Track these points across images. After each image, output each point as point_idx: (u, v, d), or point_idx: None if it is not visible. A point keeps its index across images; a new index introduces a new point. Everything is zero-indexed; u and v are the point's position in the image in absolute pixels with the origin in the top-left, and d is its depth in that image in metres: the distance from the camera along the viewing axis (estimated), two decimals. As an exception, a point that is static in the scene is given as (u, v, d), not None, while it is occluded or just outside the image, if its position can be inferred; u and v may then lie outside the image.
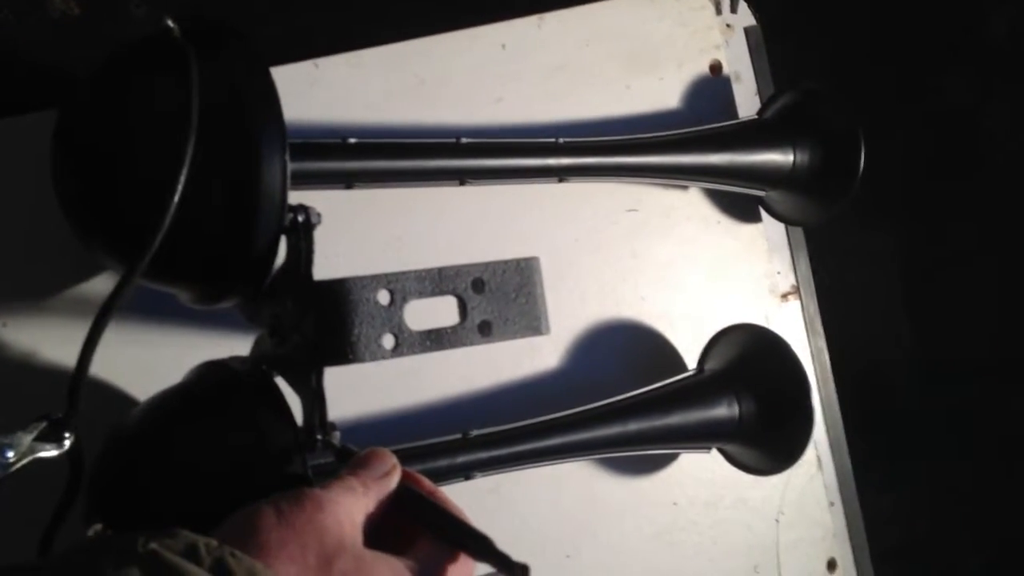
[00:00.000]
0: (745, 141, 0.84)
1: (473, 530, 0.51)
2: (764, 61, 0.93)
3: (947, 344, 1.22)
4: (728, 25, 0.92)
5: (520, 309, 0.59)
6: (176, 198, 0.50)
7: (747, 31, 0.92)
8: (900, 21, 1.20)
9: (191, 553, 0.40)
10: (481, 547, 0.50)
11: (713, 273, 0.88)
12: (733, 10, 0.92)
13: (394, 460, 0.53)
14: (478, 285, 0.59)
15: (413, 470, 0.56)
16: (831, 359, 0.97)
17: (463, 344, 0.57)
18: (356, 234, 0.73)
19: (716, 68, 0.89)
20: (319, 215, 0.57)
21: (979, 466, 1.20)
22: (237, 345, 0.66)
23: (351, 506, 0.48)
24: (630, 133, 0.80)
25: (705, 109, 0.88)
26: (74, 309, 0.65)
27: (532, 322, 0.59)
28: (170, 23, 0.53)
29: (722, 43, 0.90)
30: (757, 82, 0.93)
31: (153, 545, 0.40)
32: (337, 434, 0.55)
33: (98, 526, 0.48)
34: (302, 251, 0.56)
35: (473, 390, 0.75)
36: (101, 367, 0.61)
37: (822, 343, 0.96)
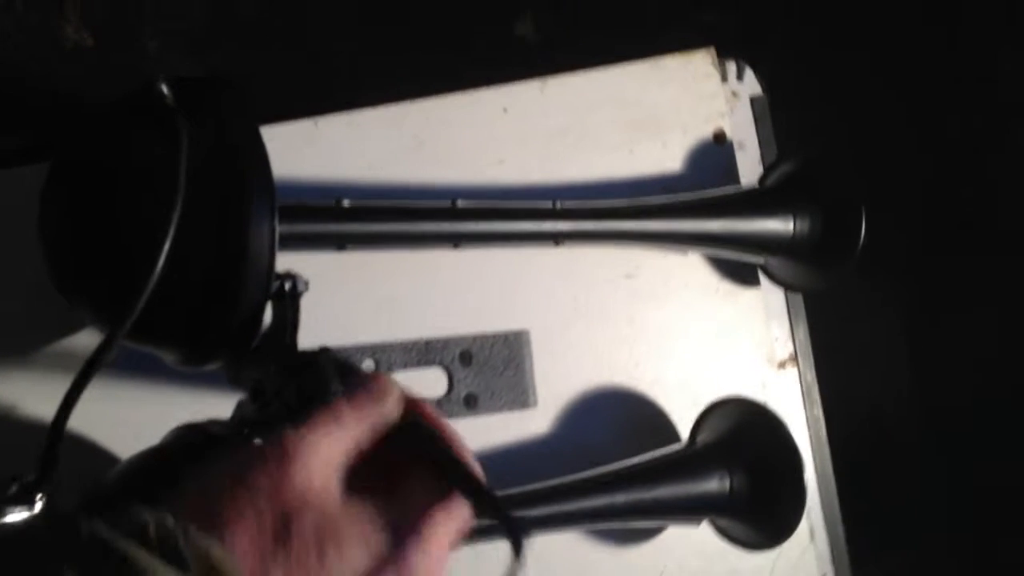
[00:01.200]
0: (744, 208, 0.84)
1: (477, 481, 0.47)
2: (769, 129, 0.93)
3: (949, 398, 1.21)
4: (734, 93, 0.91)
5: (507, 383, 0.59)
6: (160, 264, 0.50)
7: (753, 99, 0.92)
8: (909, 74, 1.20)
9: (140, 534, 0.38)
10: (483, 502, 0.47)
11: (710, 341, 0.87)
12: (739, 78, 0.91)
13: (399, 389, 0.49)
14: (465, 358, 0.59)
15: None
16: (829, 419, 0.96)
17: (448, 416, 0.57)
18: (347, 294, 0.73)
19: (720, 136, 0.89)
20: (307, 283, 0.57)
21: (979, 525, 1.18)
22: (221, 405, 0.65)
23: (329, 447, 0.45)
24: (631, 198, 0.80)
25: (708, 176, 0.87)
26: (58, 364, 0.64)
27: (519, 396, 0.59)
28: (163, 88, 0.53)
29: (727, 111, 0.89)
30: (761, 150, 0.92)
31: (100, 526, 0.38)
32: None
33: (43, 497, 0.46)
34: (287, 319, 0.56)
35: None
36: (82, 422, 0.60)
37: (819, 412, 0.95)
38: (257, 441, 0.47)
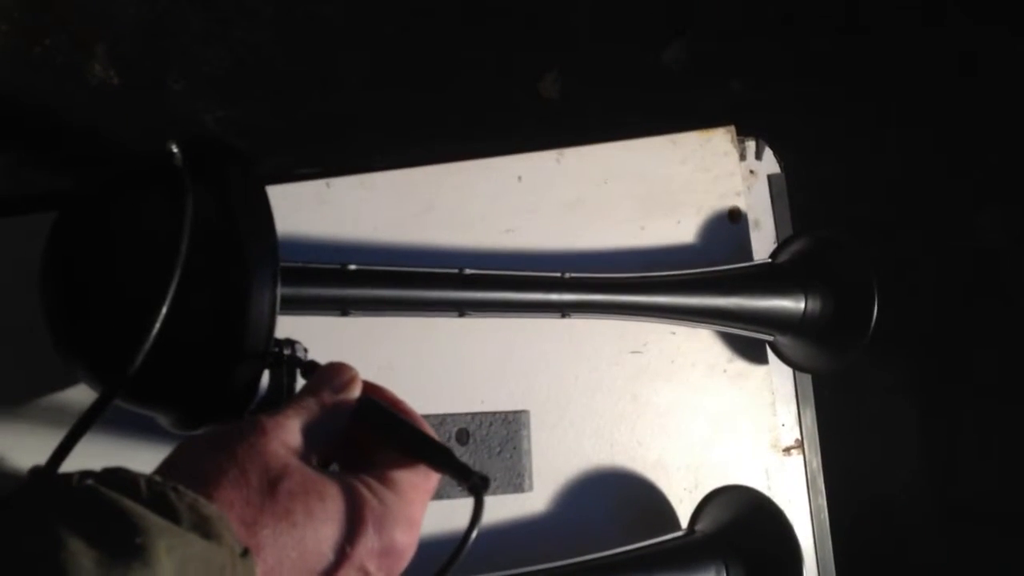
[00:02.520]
0: (755, 285, 0.82)
1: (433, 441, 0.51)
2: (785, 208, 0.92)
3: (961, 488, 1.18)
4: (751, 171, 0.91)
5: (504, 464, 0.58)
6: (156, 327, 0.49)
7: (770, 178, 0.91)
8: (932, 163, 1.19)
9: (130, 489, 0.38)
10: (441, 458, 0.50)
11: (715, 423, 0.86)
12: (758, 157, 0.91)
13: (353, 372, 0.52)
14: (462, 436, 0.58)
15: None
16: (833, 506, 0.94)
17: (441, 497, 0.55)
18: (344, 358, 0.72)
19: (735, 214, 0.88)
20: (306, 350, 0.56)
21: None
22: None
23: (300, 428, 0.48)
24: (641, 272, 0.79)
25: (721, 254, 0.86)
26: (48, 417, 0.63)
27: (515, 479, 0.58)
28: (174, 148, 0.53)
29: (743, 189, 0.89)
30: (777, 229, 0.91)
31: (89, 481, 0.38)
32: None
33: (39, 464, 0.47)
34: (284, 386, 0.55)
35: (449, 534, 0.72)
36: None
37: (822, 501, 0.93)
38: None
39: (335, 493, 0.45)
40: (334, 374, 0.52)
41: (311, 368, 0.54)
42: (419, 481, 0.50)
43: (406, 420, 0.52)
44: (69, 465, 0.49)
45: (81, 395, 0.63)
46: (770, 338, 0.86)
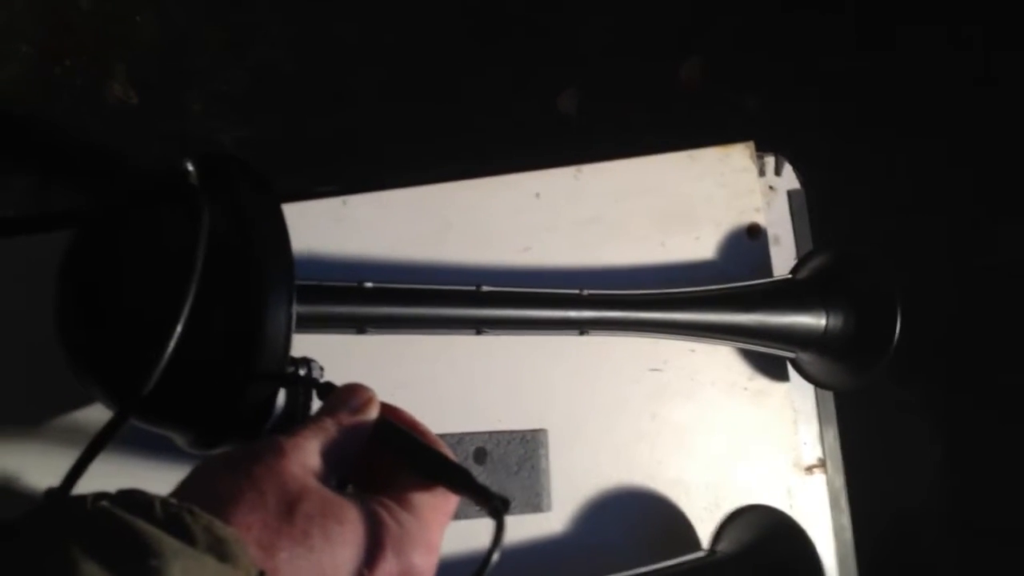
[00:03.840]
0: (775, 302, 0.81)
1: (452, 463, 0.50)
2: (806, 225, 0.91)
3: (981, 508, 1.17)
4: (771, 187, 0.90)
5: (522, 484, 0.57)
6: (171, 347, 0.49)
7: (790, 194, 0.90)
8: (951, 177, 1.18)
9: (145, 511, 0.38)
10: (460, 480, 0.49)
11: (735, 442, 0.85)
12: (778, 173, 0.90)
13: (371, 393, 0.52)
14: (480, 455, 0.57)
15: None
16: (856, 526, 0.92)
17: (459, 517, 0.55)
18: (361, 376, 0.71)
19: (754, 230, 0.87)
20: (322, 369, 0.56)
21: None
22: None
23: (319, 449, 0.47)
24: (660, 289, 0.78)
25: (741, 271, 0.85)
26: (64, 438, 0.63)
27: (533, 499, 0.57)
28: (189, 166, 0.53)
29: (763, 205, 0.88)
30: (797, 246, 0.90)
31: (103, 503, 0.38)
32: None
33: (53, 487, 0.47)
34: (300, 406, 0.54)
35: (468, 554, 0.72)
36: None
37: (846, 520, 0.91)
38: None
39: (354, 516, 0.45)
40: (351, 395, 0.52)
41: (327, 389, 0.54)
42: (438, 503, 0.49)
43: (424, 442, 0.52)
44: (84, 484, 0.49)
45: (97, 414, 0.63)
46: (791, 355, 0.85)
